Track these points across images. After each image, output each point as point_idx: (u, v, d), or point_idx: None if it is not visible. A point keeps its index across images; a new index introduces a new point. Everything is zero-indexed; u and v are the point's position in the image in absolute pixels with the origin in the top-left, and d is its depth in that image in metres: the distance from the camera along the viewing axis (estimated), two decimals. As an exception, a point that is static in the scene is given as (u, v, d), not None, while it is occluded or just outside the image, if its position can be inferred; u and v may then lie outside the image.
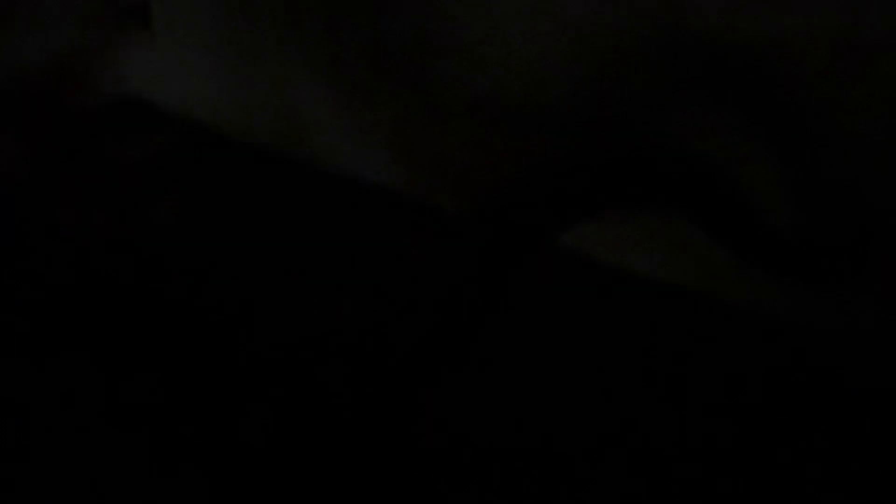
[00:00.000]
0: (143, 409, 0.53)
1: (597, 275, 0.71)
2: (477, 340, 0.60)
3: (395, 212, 0.81)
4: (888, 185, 0.65)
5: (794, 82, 0.64)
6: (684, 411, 0.59)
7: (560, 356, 0.63)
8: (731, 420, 0.60)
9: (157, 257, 0.63)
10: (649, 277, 0.72)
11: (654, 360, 0.64)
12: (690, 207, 0.61)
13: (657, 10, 0.69)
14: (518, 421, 0.58)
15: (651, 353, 0.65)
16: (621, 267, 0.73)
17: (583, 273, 0.72)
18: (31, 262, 0.56)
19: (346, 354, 0.60)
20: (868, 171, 0.65)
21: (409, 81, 0.83)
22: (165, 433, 0.52)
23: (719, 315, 0.69)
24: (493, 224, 0.59)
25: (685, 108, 0.69)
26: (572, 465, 0.56)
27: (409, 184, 0.83)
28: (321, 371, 0.58)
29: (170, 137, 0.75)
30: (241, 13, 0.91)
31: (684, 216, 0.62)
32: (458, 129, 0.80)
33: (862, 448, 0.58)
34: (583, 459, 0.56)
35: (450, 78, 0.81)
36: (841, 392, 0.63)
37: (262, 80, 0.90)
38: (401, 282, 0.65)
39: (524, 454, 0.56)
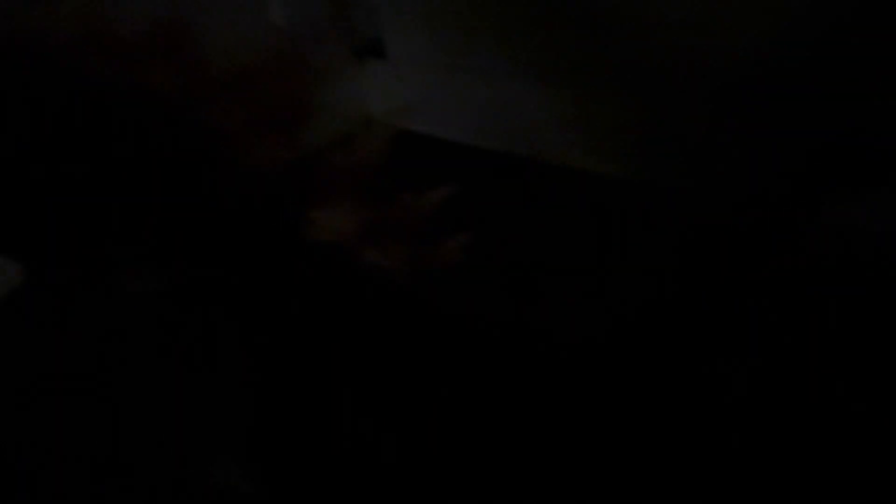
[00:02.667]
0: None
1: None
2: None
3: (624, 196, 0.85)
4: None
5: None
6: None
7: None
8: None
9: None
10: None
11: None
12: None
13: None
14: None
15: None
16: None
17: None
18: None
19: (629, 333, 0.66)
20: None
21: (621, 72, 0.88)
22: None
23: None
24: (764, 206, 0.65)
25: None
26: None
27: (628, 168, 0.88)
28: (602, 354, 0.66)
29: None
30: (463, 36, 0.99)
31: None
32: (676, 115, 0.85)
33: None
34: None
35: (660, 68, 0.86)
36: None
37: (485, 91, 0.99)
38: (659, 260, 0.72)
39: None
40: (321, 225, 0.61)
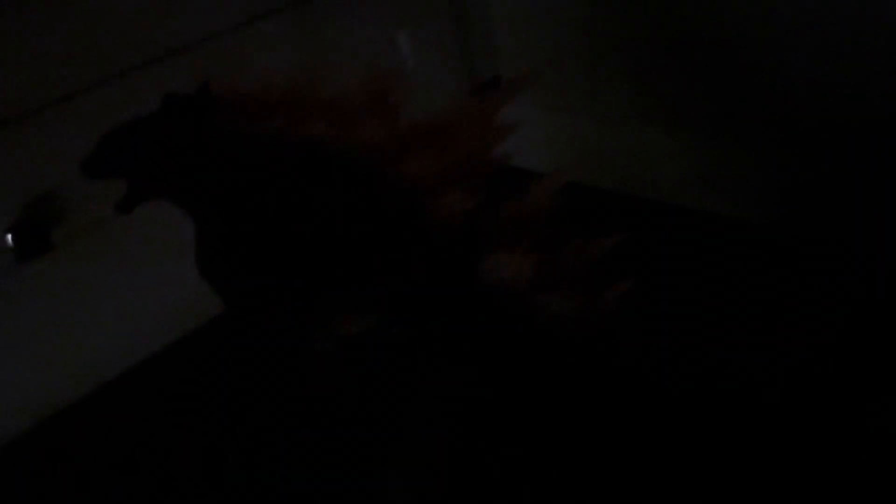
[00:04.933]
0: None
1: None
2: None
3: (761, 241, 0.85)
4: None
5: None
6: None
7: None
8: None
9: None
10: None
11: None
12: None
13: None
14: None
15: None
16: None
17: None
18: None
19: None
20: None
21: (755, 121, 0.89)
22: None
23: None
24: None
25: None
26: None
27: (768, 215, 0.88)
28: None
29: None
30: (587, 80, 1.00)
31: None
32: (813, 165, 0.86)
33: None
34: None
35: (792, 116, 0.88)
36: None
37: (610, 136, 1.00)
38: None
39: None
40: (498, 272, 0.63)
